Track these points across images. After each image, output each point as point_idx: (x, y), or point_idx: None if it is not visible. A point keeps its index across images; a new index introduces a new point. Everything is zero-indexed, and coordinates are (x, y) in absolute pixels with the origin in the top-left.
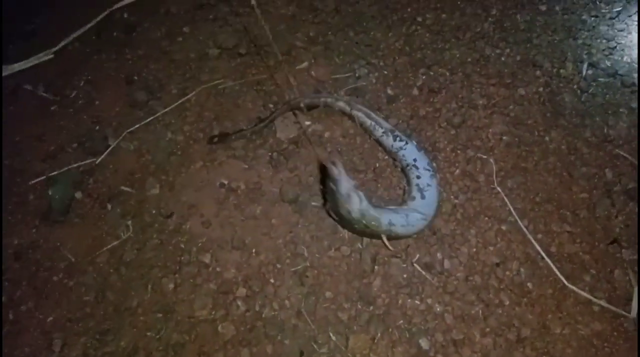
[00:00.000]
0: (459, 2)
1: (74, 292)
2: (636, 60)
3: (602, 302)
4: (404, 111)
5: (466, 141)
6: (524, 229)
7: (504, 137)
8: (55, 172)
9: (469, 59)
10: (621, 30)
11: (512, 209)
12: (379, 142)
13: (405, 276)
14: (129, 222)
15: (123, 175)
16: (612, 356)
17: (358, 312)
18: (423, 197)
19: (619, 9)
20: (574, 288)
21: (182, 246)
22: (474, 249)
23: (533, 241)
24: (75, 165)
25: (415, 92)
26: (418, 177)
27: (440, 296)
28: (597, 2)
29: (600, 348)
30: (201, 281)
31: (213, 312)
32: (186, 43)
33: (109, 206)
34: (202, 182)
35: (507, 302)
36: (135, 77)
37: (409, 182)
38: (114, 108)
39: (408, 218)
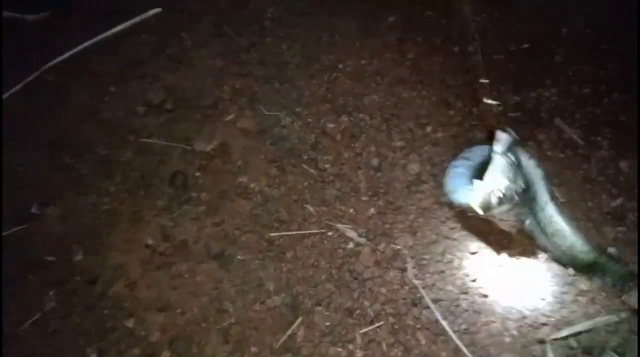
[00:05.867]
0: (377, 48)
1: None
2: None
3: None
4: (327, 157)
5: (384, 184)
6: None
7: (422, 178)
8: None
9: (388, 103)
10: None
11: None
12: None
13: (328, 323)
14: (52, 292)
15: (47, 243)
16: None
17: None
18: None
19: None
20: None
21: (107, 311)
22: (393, 290)
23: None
24: None
25: (338, 137)
26: None
27: (362, 341)
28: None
29: None
30: (125, 347)
31: None
32: (113, 102)
33: (31, 277)
34: (127, 243)
35: (424, 342)
36: (63, 140)
37: None
38: (39, 174)
39: None
